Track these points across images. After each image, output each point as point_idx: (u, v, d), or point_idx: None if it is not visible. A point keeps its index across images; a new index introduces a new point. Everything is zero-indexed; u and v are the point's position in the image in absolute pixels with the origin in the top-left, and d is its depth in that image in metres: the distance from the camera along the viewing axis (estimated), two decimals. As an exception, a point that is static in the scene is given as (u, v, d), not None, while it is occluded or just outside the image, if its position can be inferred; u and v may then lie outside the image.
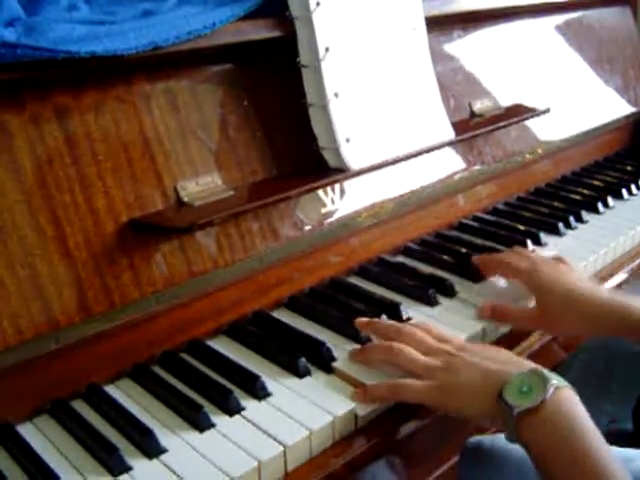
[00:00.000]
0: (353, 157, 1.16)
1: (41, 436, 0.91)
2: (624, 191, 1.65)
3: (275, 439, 0.87)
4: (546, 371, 0.87)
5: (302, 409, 0.93)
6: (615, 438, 1.22)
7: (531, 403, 0.83)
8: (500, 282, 1.25)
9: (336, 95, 1.14)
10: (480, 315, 1.14)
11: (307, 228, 1.17)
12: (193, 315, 1.07)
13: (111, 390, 0.98)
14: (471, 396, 0.90)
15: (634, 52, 1.98)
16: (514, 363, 0.92)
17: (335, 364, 1.02)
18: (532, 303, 1.15)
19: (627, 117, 1.92)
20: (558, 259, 1.19)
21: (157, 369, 1.03)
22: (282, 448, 0.86)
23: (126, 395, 0.98)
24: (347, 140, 1.15)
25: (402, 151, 1.24)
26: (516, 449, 1.11)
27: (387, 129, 1.22)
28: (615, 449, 1.18)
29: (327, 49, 1.12)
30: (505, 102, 1.57)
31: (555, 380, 0.85)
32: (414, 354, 0.97)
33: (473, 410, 0.90)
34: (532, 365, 0.90)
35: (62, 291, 0.92)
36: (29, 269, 0.90)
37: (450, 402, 0.92)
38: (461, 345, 0.99)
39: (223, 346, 1.08)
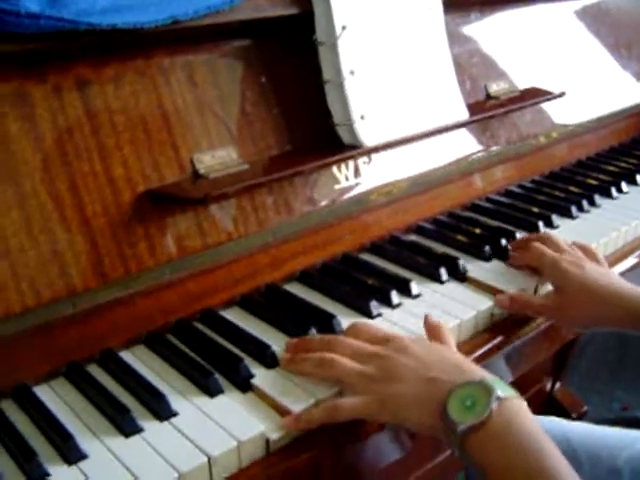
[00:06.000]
0: (367, 134, 1.18)
1: (56, 397, 0.94)
2: (638, 177, 1.66)
3: (283, 407, 0.90)
4: (491, 380, 0.82)
5: (309, 378, 0.94)
6: (626, 425, 1.24)
7: (475, 419, 0.78)
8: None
9: (352, 73, 1.16)
10: (498, 305, 1.12)
11: (321, 204, 1.19)
12: (207, 286, 1.09)
13: (125, 355, 1.01)
14: (413, 407, 0.84)
15: (652, 38, 1.98)
16: (459, 370, 0.86)
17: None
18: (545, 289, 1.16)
19: (644, 103, 1.93)
20: (588, 250, 1.19)
21: (171, 337, 1.05)
22: (288, 415, 0.89)
23: (140, 361, 1.00)
24: (362, 117, 1.17)
25: (416, 130, 1.25)
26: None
27: (402, 107, 1.24)
28: (618, 430, 1.20)
29: (344, 27, 1.14)
30: (521, 85, 1.58)
31: (500, 391, 0.79)
32: (347, 364, 0.90)
33: (417, 422, 0.85)
34: (478, 373, 0.85)
35: (79, 257, 0.95)
36: (48, 235, 0.93)
37: (392, 415, 0.86)
38: (399, 345, 0.91)
39: (236, 316, 1.10)
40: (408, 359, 0.88)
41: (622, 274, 1.33)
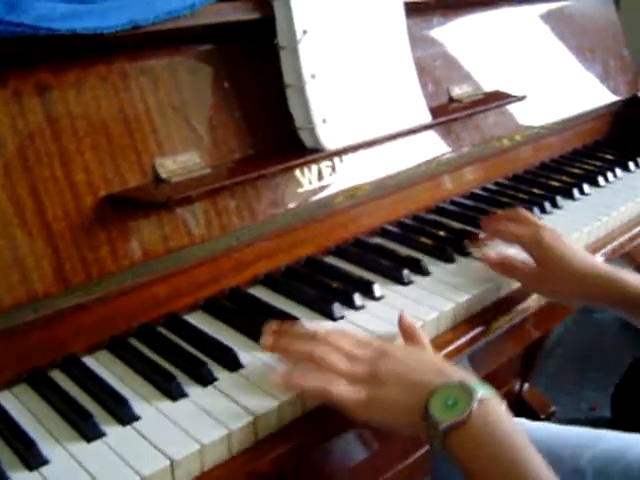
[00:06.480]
0: (329, 137, 1.19)
1: (19, 404, 0.93)
2: (600, 178, 1.67)
3: (246, 409, 0.90)
4: (472, 381, 0.85)
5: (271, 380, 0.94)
6: (594, 425, 1.25)
7: (457, 417, 0.80)
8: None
9: (313, 76, 1.16)
10: (487, 261, 1.21)
11: (284, 207, 1.19)
12: (170, 290, 1.09)
13: (88, 361, 1.01)
14: (396, 409, 0.87)
15: (615, 42, 2.00)
16: (438, 372, 0.89)
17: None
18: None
19: (607, 106, 1.94)
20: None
21: (134, 341, 1.05)
22: (252, 418, 0.89)
23: (103, 366, 1.00)
24: (323, 121, 1.18)
25: (378, 133, 1.26)
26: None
27: (363, 111, 1.25)
28: (582, 430, 1.21)
29: (305, 31, 1.15)
30: (485, 88, 1.59)
31: (481, 391, 0.82)
32: (336, 363, 0.91)
33: (399, 424, 0.88)
34: (457, 374, 0.88)
35: (40, 262, 0.94)
36: (8, 240, 0.92)
37: (376, 416, 0.88)
38: (382, 350, 0.93)
39: (200, 321, 1.10)
40: (392, 364, 0.90)
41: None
